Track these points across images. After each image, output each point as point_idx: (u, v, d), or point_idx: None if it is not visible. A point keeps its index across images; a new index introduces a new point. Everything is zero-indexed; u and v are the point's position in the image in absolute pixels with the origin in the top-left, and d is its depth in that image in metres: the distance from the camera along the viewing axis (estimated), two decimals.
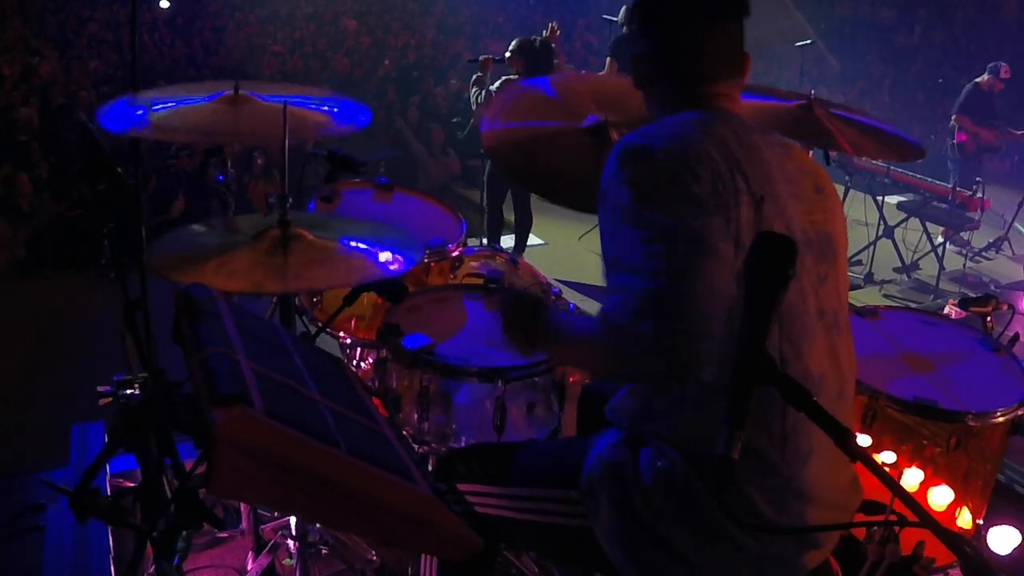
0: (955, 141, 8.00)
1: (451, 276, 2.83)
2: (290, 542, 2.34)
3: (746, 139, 1.46)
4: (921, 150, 2.76)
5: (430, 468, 2.09)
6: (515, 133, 2.35)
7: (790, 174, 1.48)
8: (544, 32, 6.27)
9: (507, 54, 5.63)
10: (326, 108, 2.48)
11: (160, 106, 2.33)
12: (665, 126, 1.48)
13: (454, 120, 9.59)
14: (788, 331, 1.40)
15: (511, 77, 5.63)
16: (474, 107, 6.00)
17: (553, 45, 5.96)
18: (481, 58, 5.93)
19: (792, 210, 1.45)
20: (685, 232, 1.32)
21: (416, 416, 2.16)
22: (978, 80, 8.06)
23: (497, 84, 5.63)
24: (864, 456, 1.01)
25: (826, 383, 1.44)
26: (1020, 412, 2.12)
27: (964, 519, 2.20)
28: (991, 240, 7.54)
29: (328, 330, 2.46)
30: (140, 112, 2.28)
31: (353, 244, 2.08)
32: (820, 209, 1.50)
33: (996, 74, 7.91)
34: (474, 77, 5.97)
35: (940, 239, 7.11)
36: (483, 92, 5.78)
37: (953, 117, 8.06)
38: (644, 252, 1.32)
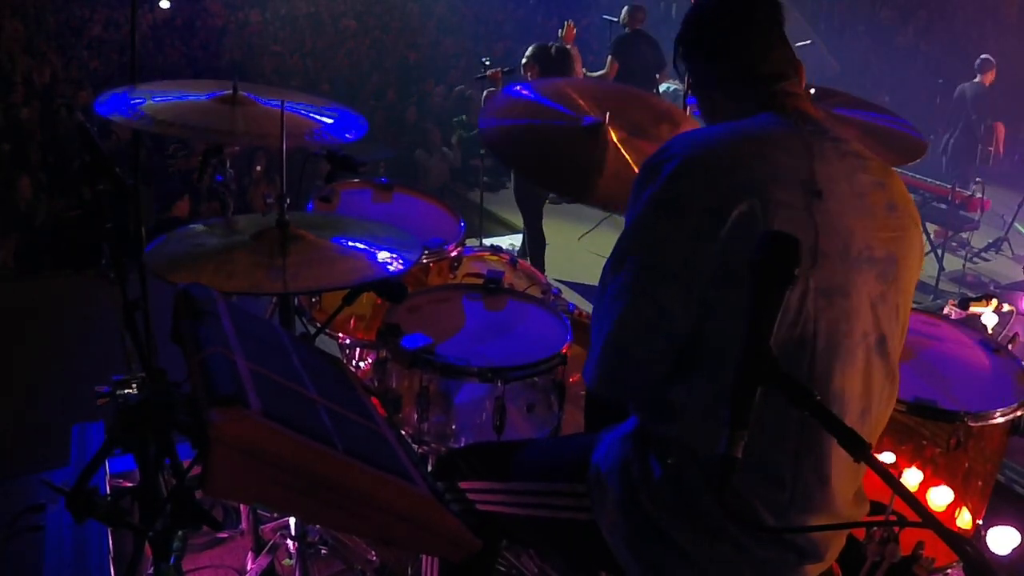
0: (990, 148, 7.99)
1: (450, 276, 2.83)
2: (289, 542, 2.34)
3: (818, 147, 1.41)
4: (923, 145, 2.74)
5: (429, 468, 2.09)
6: (513, 129, 2.38)
7: (861, 187, 1.42)
8: (560, 32, 6.16)
9: (523, 60, 5.52)
10: (321, 117, 2.49)
11: (159, 98, 2.35)
12: (700, 134, 1.44)
13: (455, 120, 9.58)
14: (825, 348, 1.35)
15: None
16: None
17: (569, 46, 5.88)
18: (488, 72, 5.81)
19: (853, 223, 1.38)
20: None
21: (416, 416, 2.16)
22: (976, 80, 8.05)
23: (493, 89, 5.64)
24: (869, 458, 1.01)
25: (850, 404, 1.40)
26: (1020, 412, 2.12)
27: (964, 519, 2.19)
28: (991, 240, 7.54)
29: (327, 330, 2.45)
30: (138, 102, 2.29)
31: (351, 244, 2.08)
32: (890, 227, 1.43)
33: (987, 67, 7.91)
34: (486, 92, 5.88)
35: (939, 239, 7.11)
36: None
37: (993, 124, 8.02)
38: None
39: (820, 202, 1.36)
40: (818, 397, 1.05)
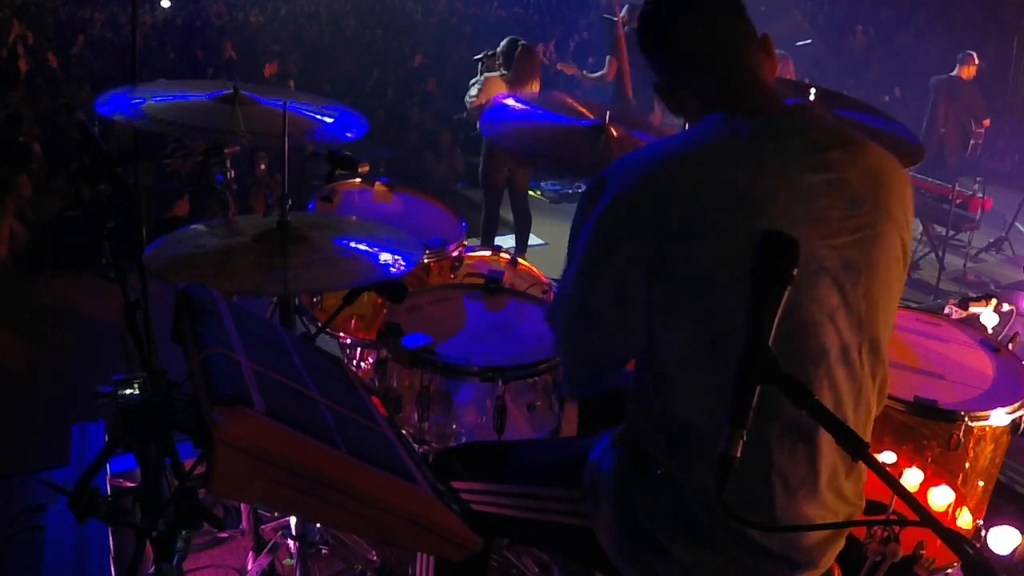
0: (978, 142, 8.03)
1: (451, 276, 2.83)
2: (290, 542, 2.34)
3: (765, 154, 1.32)
4: (921, 151, 2.75)
5: None
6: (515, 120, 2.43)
7: (810, 191, 1.31)
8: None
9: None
10: (322, 117, 2.49)
11: (159, 98, 2.35)
12: (637, 159, 1.40)
13: (454, 118, 9.55)
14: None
15: (492, 75, 5.66)
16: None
17: (538, 48, 6.00)
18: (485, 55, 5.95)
19: (802, 236, 1.25)
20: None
21: (416, 416, 2.16)
22: (954, 74, 8.02)
23: (478, 79, 5.68)
24: (867, 456, 1.01)
25: None
26: (1020, 412, 2.12)
27: (964, 519, 2.19)
28: (991, 240, 7.53)
29: (328, 330, 2.45)
30: (138, 102, 2.30)
31: (353, 245, 2.08)
32: (848, 230, 1.32)
33: (968, 62, 7.91)
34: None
35: (940, 239, 7.11)
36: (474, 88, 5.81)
37: (985, 122, 8.05)
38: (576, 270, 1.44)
39: (757, 222, 1.27)
40: (816, 397, 1.04)
